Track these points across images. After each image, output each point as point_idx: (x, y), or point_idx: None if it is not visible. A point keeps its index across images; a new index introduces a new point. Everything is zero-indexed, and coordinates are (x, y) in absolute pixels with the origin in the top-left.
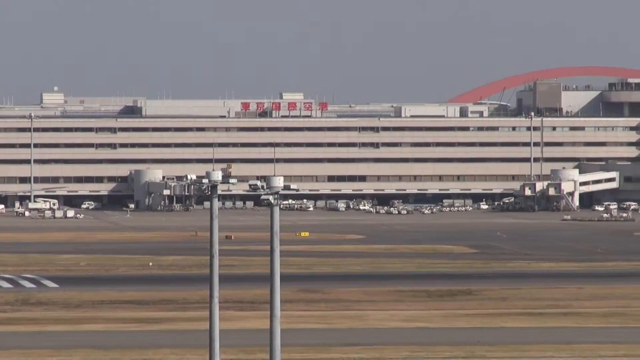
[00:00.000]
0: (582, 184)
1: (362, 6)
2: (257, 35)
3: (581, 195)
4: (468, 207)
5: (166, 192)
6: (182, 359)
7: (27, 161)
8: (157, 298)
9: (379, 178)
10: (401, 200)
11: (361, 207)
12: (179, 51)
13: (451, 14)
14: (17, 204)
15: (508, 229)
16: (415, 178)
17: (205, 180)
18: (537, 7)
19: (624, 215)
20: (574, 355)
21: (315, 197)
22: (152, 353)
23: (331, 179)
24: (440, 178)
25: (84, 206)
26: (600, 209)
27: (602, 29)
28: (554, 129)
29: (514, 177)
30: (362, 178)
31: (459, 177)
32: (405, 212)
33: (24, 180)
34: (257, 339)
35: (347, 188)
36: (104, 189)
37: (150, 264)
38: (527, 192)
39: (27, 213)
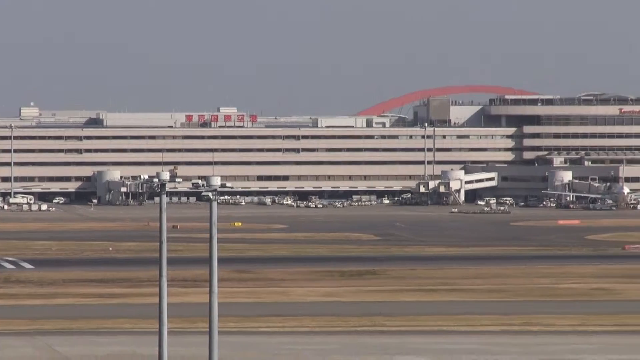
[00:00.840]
0: (467, 182)
1: (285, 32)
2: (199, 58)
3: (466, 192)
4: (373, 202)
5: (123, 189)
6: (135, 327)
7: (8, 164)
8: (116, 277)
9: (299, 178)
10: (317, 196)
11: (284, 202)
12: (134, 72)
13: (357, 41)
14: (0, 200)
15: (406, 220)
16: (329, 178)
17: (155, 180)
18: (430, 37)
19: (502, 208)
20: (460, 324)
21: (246, 194)
22: (111, 323)
23: (259, 178)
24: (350, 178)
25: (55, 201)
26: (482, 203)
27: (483, 52)
28: (444, 137)
29: (410, 177)
30: (285, 178)
31: (365, 177)
32: (321, 206)
33: (5, 179)
34: (198, 310)
35: (272, 186)
36: (71, 187)
37: (110, 248)
38: (422, 189)
39: (6, 207)
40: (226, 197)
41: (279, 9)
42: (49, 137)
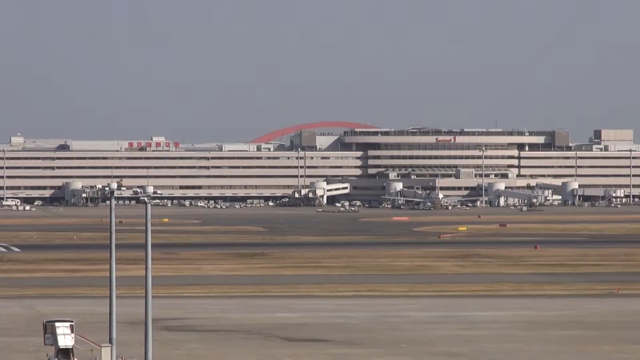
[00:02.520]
0: (328, 190)
1: (196, 83)
2: (136, 100)
3: (327, 197)
4: (261, 204)
5: (84, 195)
6: (93, 293)
7: (1, 177)
8: (79, 258)
9: (209, 187)
10: (222, 200)
11: (199, 204)
12: (92, 109)
13: (251, 87)
14: None
15: (285, 217)
16: (230, 187)
17: (106, 188)
18: (300, 86)
19: (353, 209)
20: (324, 291)
21: (171, 198)
22: (77, 290)
23: (181, 187)
24: (245, 187)
25: (35, 203)
26: (339, 205)
27: (340, 96)
28: (311, 158)
29: (288, 187)
30: (199, 187)
31: (256, 186)
32: (225, 207)
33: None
34: (137, 281)
35: (190, 193)
36: (47, 193)
37: (75, 237)
38: (296, 195)
39: (1, 207)
40: (157, 201)
41: (194, 52)
42: (31, 158)
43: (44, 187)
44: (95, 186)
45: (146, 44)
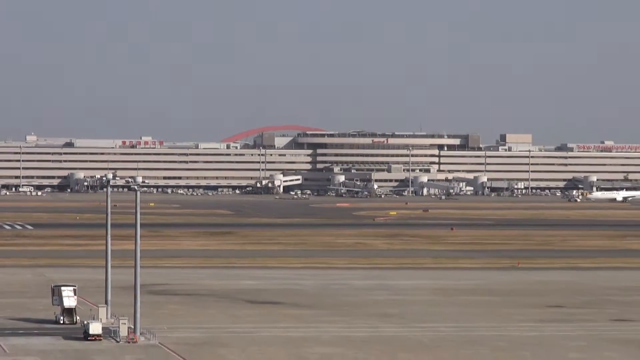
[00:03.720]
0: (284, 181)
1: (173, 92)
2: (129, 103)
3: (284, 187)
4: (230, 192)
5: (85, 184)
6: (94, 263)
7: (18, 168)
8: (82, 234)
9: (187, 178)
10: (198, 189)
11: (179, 192)
12: (93, 112)
13: (224, 98)
14: (14, 190)
15: (249, 202)
16: (205, 178)
17: (104, 178)
18: (264, 96)
19: (304, 196)
20: (279, 263)
21: (156, 187)
22: (80, 261)
23: (165, 178)
24: (217, 178)
25: (45, 190)
26: (293, 193)
27: (295, 105)
28: (271, 155)
29: (252, 178)
30: (179, 178)
31: (225, 178)
32: (200, 194)
33: (17, 177)
34: (128, 254)
35: (171, 183)
36: (55, 182)
37: (77, 217)
38: (258, 185)
39: (16, 194)
40: (145, 189)
41: (174, 62)
42: (42, 153)
43: (53, 177)
44: (95, 176)
45: (137, 56)
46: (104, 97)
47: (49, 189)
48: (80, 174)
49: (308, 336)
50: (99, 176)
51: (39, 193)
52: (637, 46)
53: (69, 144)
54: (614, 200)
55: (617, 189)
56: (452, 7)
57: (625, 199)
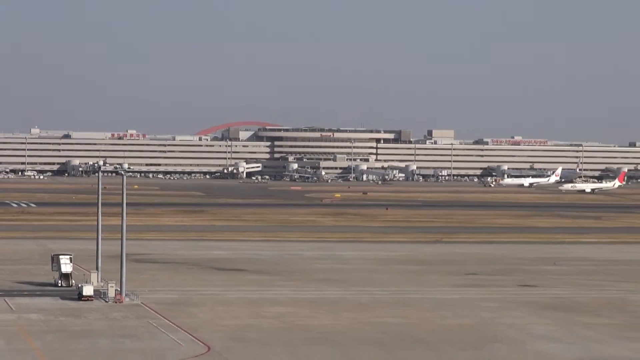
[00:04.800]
0: (247, 168)
1: (155, 86)
2: (117, 100)
3: (247, 173)
4: (201, 177)
5: (80, 169)
6: (86, 235)
7: (23, 156)
8: (76, 211)
9: (166, 165)
10: (176, 174)
11: (159, 176)
12: (87, 108)
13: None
14: (19, 174)
15: (218, 186)
16: (180, 165)
17: (96, 165)
18: (232, 95)
19: (264, 181)
20: (242, 237)
21: (140, 172)
22: (76, 234)
23: (147, 165)
24: (190, 165)
25: (47, 174)
26: (254, 178)
27: (256, 103)
28: (236, 146)
29: (220, 165)
30: (159, 165)
31: (198, 165)
32: (176, 179)
33: (22, 164)
34: (116, 228)
35: (153, 169)
36: (55, 168)
37: (74, 197)
38: (225, 171)
39: (22, 177)
40: (130, 174)
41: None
42: (44, 143)
43: (53, 163)
44: (88, 163)
45: (128, 59)
46: (97, 96)
47: (49, 174)
48: (76, 161)
49: (266, 298)
50: (91, 163)
51: (41, 177)
52: (545, 52)
53: (67, 136)
54: (522, 185)
55: (524, 176)
56: (388, 11)
57: (531, 184)
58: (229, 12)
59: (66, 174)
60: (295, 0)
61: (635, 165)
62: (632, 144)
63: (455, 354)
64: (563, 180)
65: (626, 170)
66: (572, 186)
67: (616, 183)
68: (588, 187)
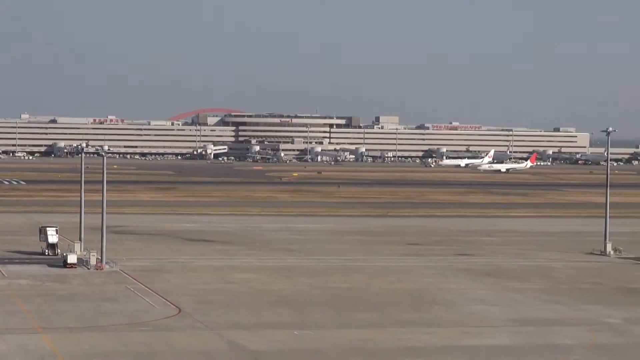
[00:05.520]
0: (214, 150)
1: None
2: (99, 88)
3: (214, 154)
4: (174, 158)
5: (65, 151)
6: (71, 210)
7: (14, 139)
8: (62, 188)
9: (142, 147)
10: (151, 155)
11: (135, 157)
12: (72, 95)
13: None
14: (11, 155)
15: (188, 166)
16: (155, 147)
17: (79, 147)
18: (203, 83)
19: (229, 162)
20: (209, 212)
21: (119, 154)
22: (61, 208)
23: (125, 147)
24: (164, 147)
25: (35, 155)
26: (221, 159)
27: (224, 91)
28: (205, 130)
29: (190, 147)
30: (136, 147)
31: (170, 147)
32: (151, 159)
33: (13, 145)
34: (97, 203)
35: (130, 150)
36: (42, 149)
37: (59, 175)
38: (195, 152)
39: (13, 158)
40: (110, 155)
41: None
42: (33, 127)
43: (41, 145)
44: (72, 145)
45: (109, 52)
46: (80, 84)
47: (37, 155)
48: (62, 144)
49: (232, 265)
50: (75, 145)
51: (30, 157)
52: (480, 43)
53: (53, 121)
54: (459, 166)
55: (461, 158)
56: (342, 7)
57: (467, 165)
58: (201, 5)
59: (53, 155)
60: None
61: (559, 147)
62: (557, 129)
63: (399, 315)
64: (495, 161)
65: (537, 153)
66: (489, 166)
67: (528, 164)
68: (503, 167)
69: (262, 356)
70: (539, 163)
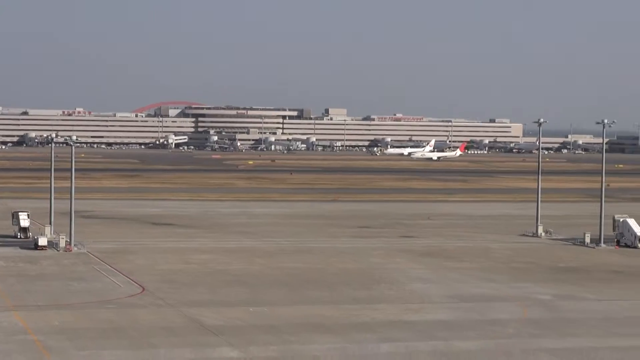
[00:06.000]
0: (176, 140)
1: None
2: (67, 83)
3: (175, 144)
4: (138, 147)
5: (36, 141)
6: (42, 196)
7: None
8: (33, 175)
9: (108, 137)
10: (117, 145)
11: (102, 147)
12: (43, 88)
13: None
14: None
15: (151, 155)
16: (120, 137)
17: (49, 137)
18: (164, 76)
19: (189, 151)
20: (172, 196)
21: (86, 143)
22: (31, 194)
23: (92, 137)
24: (128, 137)
25: (8, 145)
26: (182, 148)
27: (184, 84)
28: (166, 121)
29: (153, 137)
30: (102, 137)
31: (135, 137)
32: (116, 149)
33: None
34: (66, 189)
35: (97, 140)
36: (15, 139)
37: (30, 164)
38: (157, 142)
39: None
40: (78, 145)
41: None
42: (6, 119)
43: (13, 136)
44: (43, 135)
45: (74, 48)
46: (51, 75)
47: (10, 144)
48: (33, 134)
49: (192, 247)
50: (45, 135)
51: (3, 147)
52: (421, 42)
53: (25, 113)
54: (402, 154)
55: (404, 147)
56: (292, 5)
57: (410, 153)
58: (162, 3)
59: (25, 145)
60: None
61: (494, 137)
62: (492, 120)
63: (349, 292)
64: (436, 149)
65: (466, 142)
66: (421, 154)
67: (457, 152)
68: (435, 155)
69: (219, 331)
70: (475, 152)
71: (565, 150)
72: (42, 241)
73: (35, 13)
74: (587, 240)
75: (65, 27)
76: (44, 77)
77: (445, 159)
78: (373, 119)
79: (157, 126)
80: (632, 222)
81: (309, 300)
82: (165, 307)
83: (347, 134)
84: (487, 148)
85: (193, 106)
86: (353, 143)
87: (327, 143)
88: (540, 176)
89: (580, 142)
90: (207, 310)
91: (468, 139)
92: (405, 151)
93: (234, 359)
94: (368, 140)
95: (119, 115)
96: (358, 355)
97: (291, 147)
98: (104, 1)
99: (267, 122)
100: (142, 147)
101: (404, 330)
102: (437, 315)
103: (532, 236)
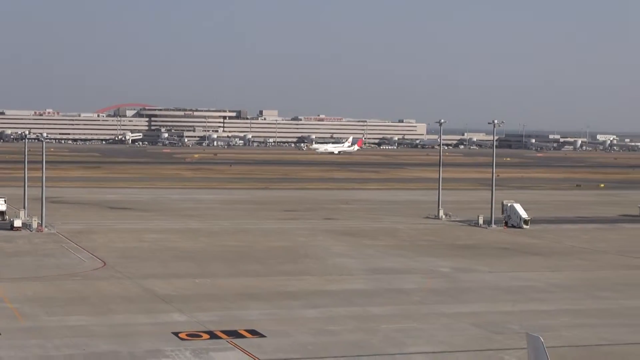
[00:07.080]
0: (132, 136)
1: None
2: (40, 85)
3: (132, 140)
4: (99, 143)
5: (12, 137)
6: (18, 184)
7: None
8: (8, 166)
9: (74, 134)
10: (81, 141)
11: (68, 142)
12: (17, 89)
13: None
14: None
15: (111, 149)
16: (84, 134)
17: (23, 134)
18: (124, 80)
19: (144, 145)
20: (129, 185)
21: (55, 139)
22: (7, 182)
23: (61, 134)
24: (91, 134)
25: None
26: (137, 144)
27: (141, 88)
28: (124, 121)
29: (113, 134)
30: (69, 134)
31: (97, 134)
32: (81, 144)
33: None
34: (37, 179)
35: (64, 137)
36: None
37: (7, 156)
38: (116, 138)
39: None
40: (47, 140)
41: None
42: None
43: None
44: (17, 132)
45: (49, 51)
46: (24, 82)
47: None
48: (9, 131)
49: (145, 228)
50: (20, 132)
51: None
52: (347, 45)
53: (2, 113)
54: (325, 149)
55: (327, 143)
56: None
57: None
58: (126, 12)
59: (1, 141)
60: None
61: (403, 135)
62: (401, 120)
63: (278, 266)
64: (352, 146)
65: (363, 139)
66: (324, 149)
67: (355, 147)
68: (336, 149)
69: (169, 299)
70: (386, 147)
71: (462, 146)
72: (17, 223)
73: (9, 25)
74: (481, 221)
75: (34, 35)
76: (18, 82)
77: (344, 152)
78: (300, 119)
79: (116, 125)
80: (518, 206)
81: (245, 272)
82: (124, 279)
83: (278, 132)
84: (396, 144)
85: (147, 107)
86: (283, 139)
87: (262, 139)
88: (441, 167)
89: (474, 139)
90: (159, 282)
91: (381, 136)
92: (328, 147)
93: (182, 323)
94: (296, 137)
95: (83, 115)
96: (287, 319)
97: (231, 143)
98: (67, 9)
99: (210, 122)
100: (103, 142)
101: (326, 297)
102: (354, 285)
103: (434, 218)
